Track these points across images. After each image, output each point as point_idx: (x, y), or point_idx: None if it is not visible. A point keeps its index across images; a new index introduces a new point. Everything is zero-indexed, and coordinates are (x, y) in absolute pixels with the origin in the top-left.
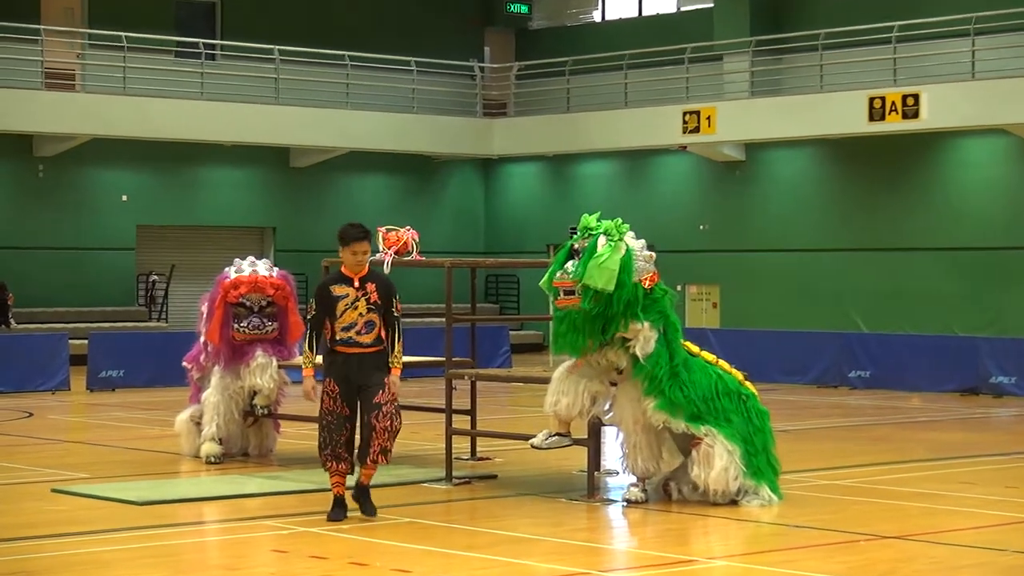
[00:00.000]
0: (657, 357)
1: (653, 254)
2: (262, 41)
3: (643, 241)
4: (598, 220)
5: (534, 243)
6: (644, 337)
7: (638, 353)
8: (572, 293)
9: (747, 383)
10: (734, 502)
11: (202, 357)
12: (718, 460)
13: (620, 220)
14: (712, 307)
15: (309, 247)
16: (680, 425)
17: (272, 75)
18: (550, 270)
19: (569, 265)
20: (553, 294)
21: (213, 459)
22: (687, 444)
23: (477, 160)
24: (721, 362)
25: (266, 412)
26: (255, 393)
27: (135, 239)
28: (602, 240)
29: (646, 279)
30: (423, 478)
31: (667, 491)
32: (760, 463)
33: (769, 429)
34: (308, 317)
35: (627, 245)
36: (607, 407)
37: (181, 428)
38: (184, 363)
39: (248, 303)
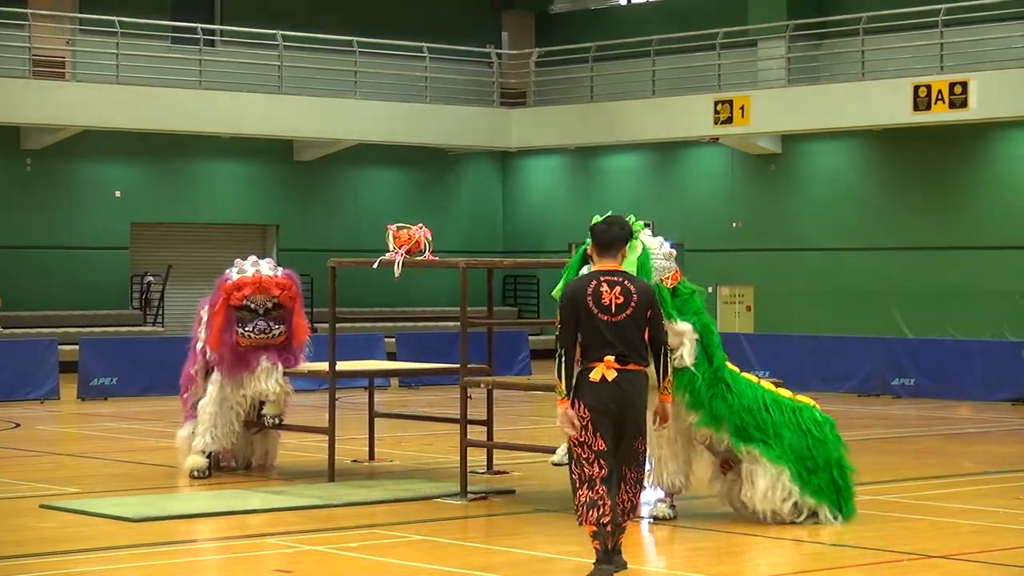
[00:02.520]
0: (696, 366)
1: (673, 251)
2: (264, 26)
3: (660, 238)
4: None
5: (555, 242)
6: (688, 340)
7: (686, 360)
8: None
9: (801, 396)
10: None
11: (193, 368)
12: (760, 480)
13: (633, 217)
14: (746, 310)
15: (314, 246)
16: (724, 440)
17: (275, 62)
18: (564, 277)
19: (584, 270)
20: None
21: (197, 473)
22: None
23: (494, 153)
24: (762, 381)
25: (277, 422)
26: (262, 403)
27: (129, 238)
28: None
29: (667, 278)
30: (436, 493)
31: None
32: (821, 480)
33: (833, 439)
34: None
35: (642, 244)
36: None
37: (182, 444)
38: (181, 383)
39: (253, 305)
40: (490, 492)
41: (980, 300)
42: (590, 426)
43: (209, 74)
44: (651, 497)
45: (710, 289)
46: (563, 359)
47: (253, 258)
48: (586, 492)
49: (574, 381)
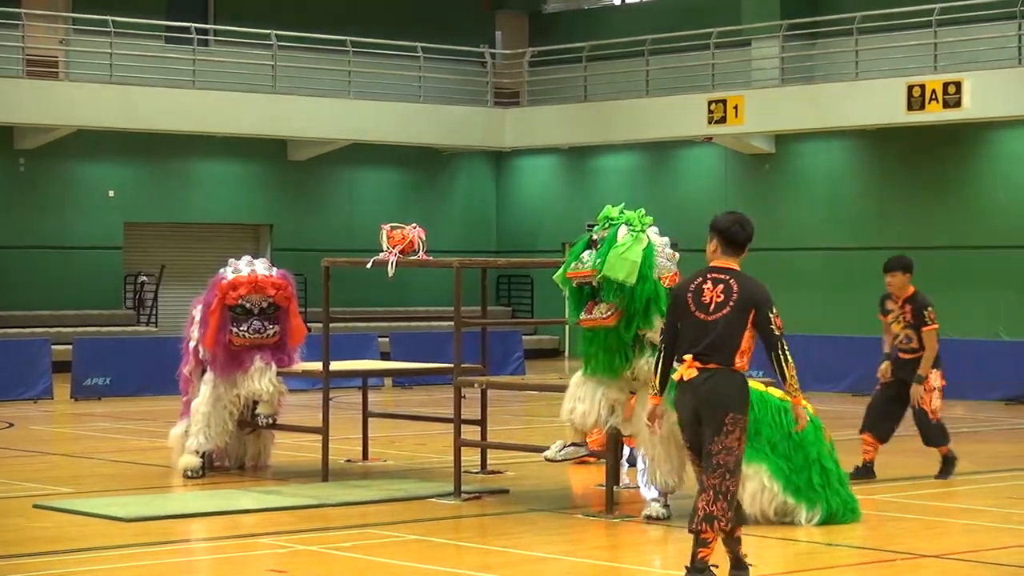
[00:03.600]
0: None
1: (676, 254)
2: (258, 25)
3: (666, 239)
4: (621, 211)
5: (549, 241)
6: None
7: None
8: (587, 283)
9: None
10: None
11: (186, 368)
12: (748, 483)
13: (643, 211)
14: None
15: (308, 246)
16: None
17: (269, 62)
18: (566, 263)
19: (585, 255)
20: (568, 287)
21: (191, 473)
22: None
23: (488, 153)
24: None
25: (271, 422)
26: (256, 403)
27: (122, 237)
28: (623, 230)
29: (666, 278)
30: (430, 493)
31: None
32: (800, 480)
33: (816, 440)
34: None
35: (649, 238)
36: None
37: (175, 443)
38: (181, 387)
39: (248, 305)
40: (484, 492)
41: (974, 300)
42: (681, 427)
43: (203, 74)
44: (645, 497)
45: None
46: (660, 356)
47: (248, 258)
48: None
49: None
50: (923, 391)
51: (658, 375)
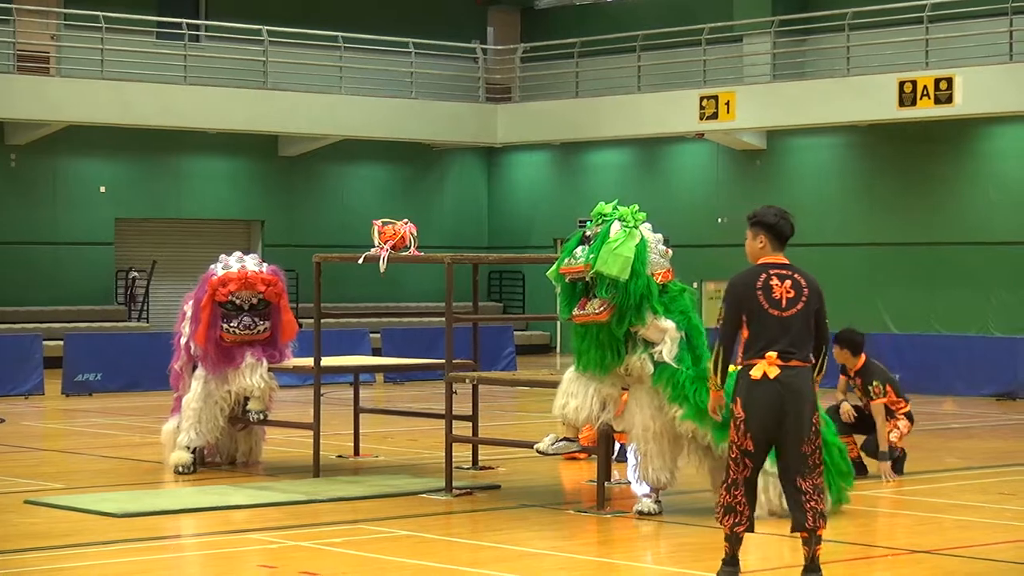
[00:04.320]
0: (679, 363)
1: (669, 251)
2: (249, 21)
3: (660, 235)
4: (614, 208)
5: (540, 237)
6: (670, 339)
7: (666, 357)
8: (580, 279)
9: None
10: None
11: (177, 364)
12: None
13: (637, 207)
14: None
15: (299, 241)
16: (706, 434)
17: (260, 58)
18: (559, 259)
19: (579, 251)
20: (560, 283)
21: (182, 469)
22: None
23: (480, 149)
24: None
25: (262, 418)
26: (247, 399)
27: (114, 233)
28: (616, 226)
29: (659, 274)
30: (421, 488)
31: None
32: None
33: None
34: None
35: (642, 234)
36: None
37: (167, 439)
38: (172, 383)
39: (238, 301)
40: (475, 488)
41: (965, 295)
42: (743, 426)
43: (194, 70)
44: (637, 492)
45: (695, 285)
46: (720, 352)
47: (238, 254)
48: (725, 495)
49: (732, 377)
50: (889, 469)
51: (720, 370)
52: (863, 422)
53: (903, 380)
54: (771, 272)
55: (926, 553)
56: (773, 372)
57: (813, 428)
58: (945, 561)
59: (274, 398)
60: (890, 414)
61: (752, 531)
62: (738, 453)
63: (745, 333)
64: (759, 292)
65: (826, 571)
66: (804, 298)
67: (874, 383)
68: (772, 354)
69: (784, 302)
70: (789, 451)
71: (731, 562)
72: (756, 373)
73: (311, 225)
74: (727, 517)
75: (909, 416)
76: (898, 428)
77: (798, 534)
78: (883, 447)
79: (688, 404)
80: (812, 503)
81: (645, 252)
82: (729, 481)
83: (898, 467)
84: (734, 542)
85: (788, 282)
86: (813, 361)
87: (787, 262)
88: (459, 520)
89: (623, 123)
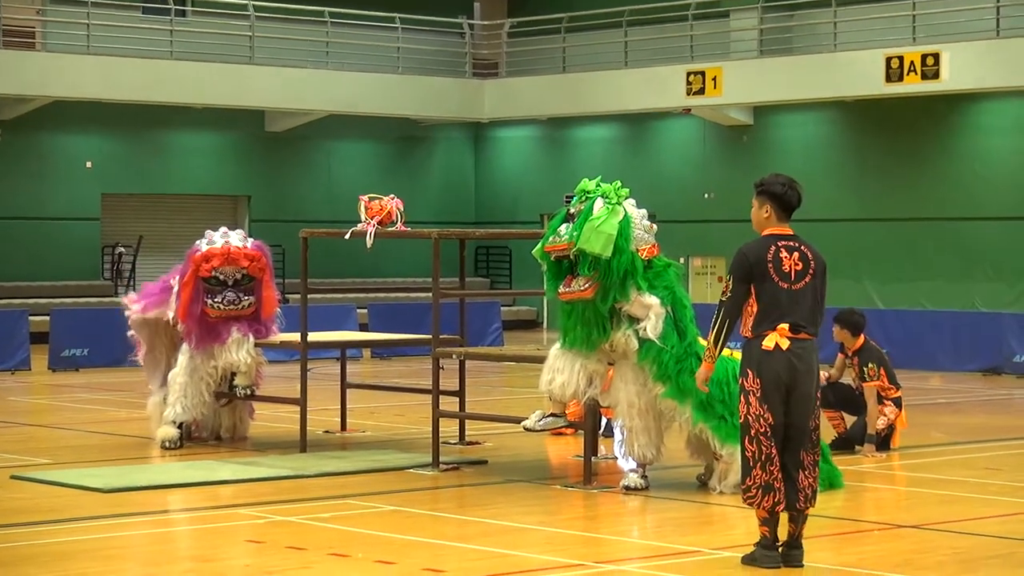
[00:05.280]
0: (665, 339)
1: (654, 225)
2: None
3: (644, 210)
4: (597, 184)
5: (527, 212)
6: (655, 315)
7: (650, 334)
8: (565, 257)
9: None
10: None
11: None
12: (733, 476)
13: (620, 184)
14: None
15: (286, 217)
16: (685, 413)
17: (246, 32)
18: (544, 237)
19: (563, 228)
20: (545, 261)
21: (168, 444)
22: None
23: (466, 124)
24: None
25: (249, 393)
26: (234, 374)
27: (100, 209)
28: (599, 203)
29: (644, 250)
30: (408, 464)
31: (704, 483)
32: None
33: None
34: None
35: (625, 211)
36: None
37: (154, 411)
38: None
39: (221, 276)
40: (462, 463)
41: (951, 271)
42: (758, 397)
43: (180, 44)
44: (623, 467)
45: (682, 260)
46: (725, 323)
47: (224, 229)
48: (761, 473)
49: (743, 350)
50: (874, 450)
51: (720, 341)
52: (854, 401)
53: (889, 356)
54: (780, 244)
55: (911, 528)
56: (785, 344)
57: (818, 404)
58: (930, 536)
59: (262, 373)
60: (880, 399)
61: (789, 508)
62: (758, 428)
63: (753, 306)
64: (770, 264)
65: (811, 546)
66: (812, 271)
67: (870, 365)
68: (784, 326)
69: (793, 275)
70: (795, 424)
71: (771, 545)
72: (768, 344)
73: (298, 200)
74: (766, 497)
75: (898, 403)
76: (885, 415)
77: (786, 512)
78: (871, 430)
79: (671, 383)
80: (808, 481)
81: (629, 228)
82: (761, 457)
83: (884, 443)
84: (774, 523)
85: (796, 254)
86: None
87: (793, 233)
88: (446, 495)
89: (610, 98)
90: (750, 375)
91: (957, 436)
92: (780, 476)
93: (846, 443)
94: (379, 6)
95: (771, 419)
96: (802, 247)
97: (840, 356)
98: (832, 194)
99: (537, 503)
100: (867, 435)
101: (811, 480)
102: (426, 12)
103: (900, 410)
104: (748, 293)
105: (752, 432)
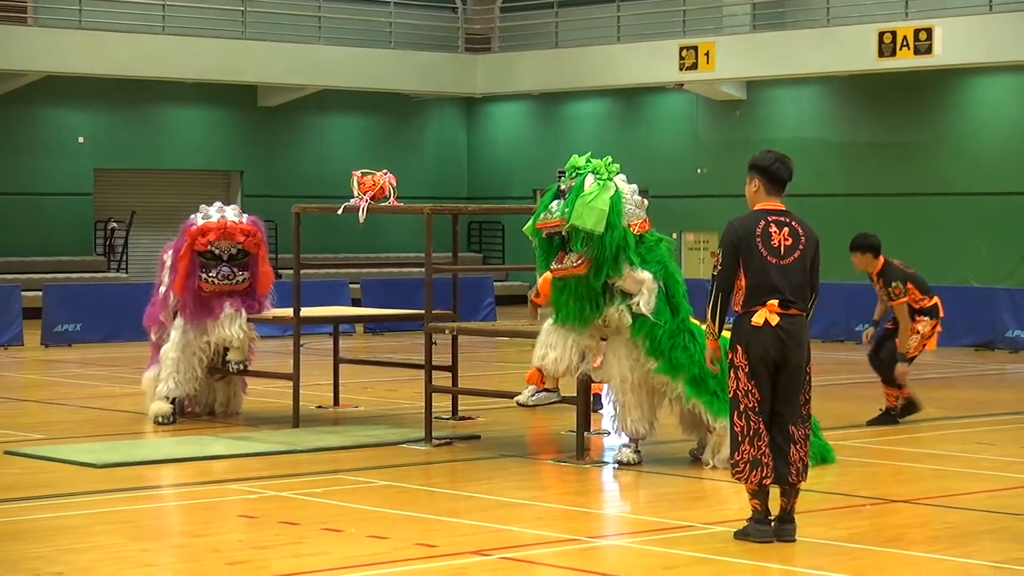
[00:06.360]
0: (658, 314)
1: (645, 200)
2: None
3: (635, 186)
4: (587, 160)
5: (520, 188)
6: (647, 290)
7: (643, 309)
8: (557, 233)
9: None
10: None
11: (162, 315)
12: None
13: (610, 159)
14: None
15: (279, 192)
16: (677, 389)
17: (239, 7)
18: (535, 214)
19: (554, 205)
20: (537, 238)
21: (162, 419)
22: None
23: (459, 99)
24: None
25: (242, 367)
26: (227, 349)
27: (92, 184)
28: (590, 179)
29: (635, 225)
30: (401, 439)
31: (697, 457)
32: None
33: None
34: None
35: (616, 186)
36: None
37: (148, 387)
38: (145, 324)
39: (217, 251)
40: (455, 438)
41: (944, 246)
42: (747, 372)
43: (173, 19)
44: (617, 442)
45: (674, 235)
46: (719, 297)
47: (218, 204)
48: (748, 448)
49: (733, 325)
50: (906, 368)
51: (718, 316)
52: (888, 368)
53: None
54: (769, 219)
55: (904, 502)
56: (774, 319)
57: (807, 378)
58: (923, 510)
59: (254, 348)
60: (916, 313)
61: (780, 482)
62: (746, 404)
63: (742, 280)
64: (758, 239)
65: (804, 520)
66: (801, 246)
67: (893, 284)
68: (774, 302)
69: (783, 250)
70: (785, 399)
71: (763, 519)
72: (758, 319)
73: (290, 175)
74: (754, 472)
75: (933, 312)
76: (918, 332)
77: (777, 485)
78: (901, 348)
79: (663, 358)
80: (799, 455)
81: (620, 203)
82: (749, 433)
83: (894, 417)
84: (764, 497)
85: (786, 229)
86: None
87: (784, 208)
88: (438, 470)
89: (603, 73)
90: (739, 351)
91: (950, 411)
92: (768, 451)
93: (893, 417)
94: None
95: (759, 395)
96: (793, 222)
97: (880, 305)
98: (824, 169)
99: (530, 478)
100: (898, 354)
101: (802, 454)
102: None
103: (936, 320)
104: (738, 267)
105: (741, 407)
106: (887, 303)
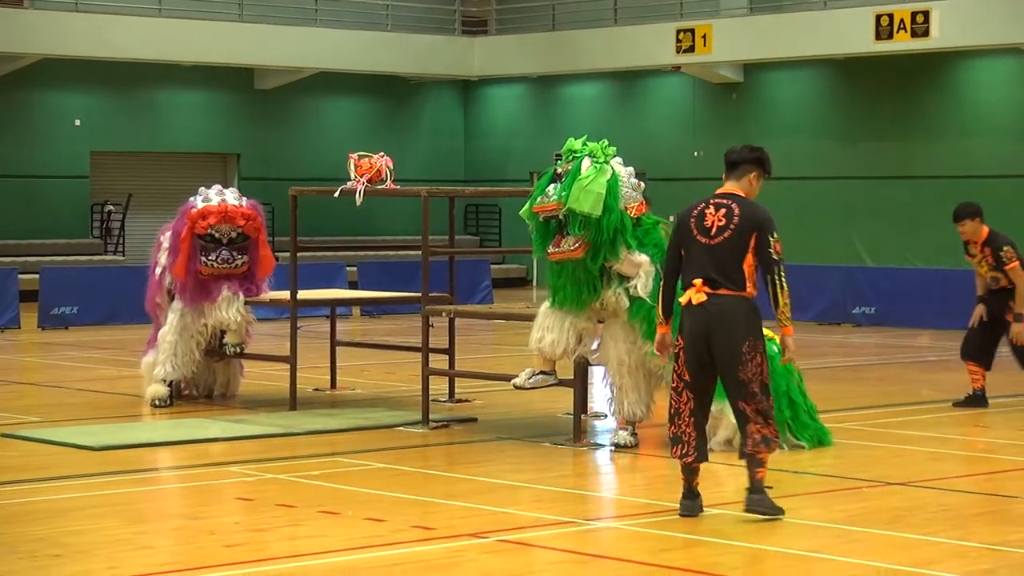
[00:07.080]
0: (655, 297)
1: (641, 183)
2: None
3: (631, 168)
4: (584, 143)
5: (517, 170)
6: (645, 272)
7: (640, 292)
8: (553, 217)
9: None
10: None
11: (158, 296)
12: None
13: (607, 142)
14: None
15: (275, 175)
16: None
17: None
18: (531, 197)
19: (551, 189)
20: (533, 222)
21: (158, 402)
22: None
23: (456, 82)
24: None
25: (239, 351)
26: (223, 332)
27: (89, 166)
28: (586, 162)
29: (632, 208)
30: (398, 421)
31: None
32: None
33: (783, 372)
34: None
35: (613, 169)
36: (595, 346)
37: (147, 371)
38: (148, 310)
39: (217, 235)
40: (452, 420)
41: (941, 229)
42: (680, 354)
43: (169, 2)
44: (613, 425)
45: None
46: (662, 288)
47: (218, 187)
48: (671, 427)
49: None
50: (1021, 331)
51: (661, 303)
52: (988, 350)
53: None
54: (711, 202)
55: (900, 485)
56: (699, 298)
57: (748, 356)
58: (918, 493)
59: (251, 332)
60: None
61: (703, 461)
62: (678, 383)
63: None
64: (692, 221)
65: (800, 502)
66: (733, 226)
67: (1004, 249)
68: (698, 281)
69: (714, 230)
70: (726, 377)
71: (688, 494)
72: (684, 300)
73: (287, 158)
74: (675, 448)
75: None
76: None
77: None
78: (1018, 309)
79: None
80: (755, 426)
81: (617, 187)
82: (672, 411)
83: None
84: (688, 473)
85: (722, 211)
86: (750, 291)
87: (733, 192)
88: (435, 453)
89: (600, 56)
90: (679, 332)
91: (946, 394)
92: (691, 431)
93: (980, 399)
94: None
95: (687, 375)
96: (732, 204)
97: (972, 261)
98: (822, 151)
99: (527, 461)
100: (1016, 315)
101: (757, 426)
102: None
103: None
104: (678, 253)
105: (673, 385)
106: (989, 273)
